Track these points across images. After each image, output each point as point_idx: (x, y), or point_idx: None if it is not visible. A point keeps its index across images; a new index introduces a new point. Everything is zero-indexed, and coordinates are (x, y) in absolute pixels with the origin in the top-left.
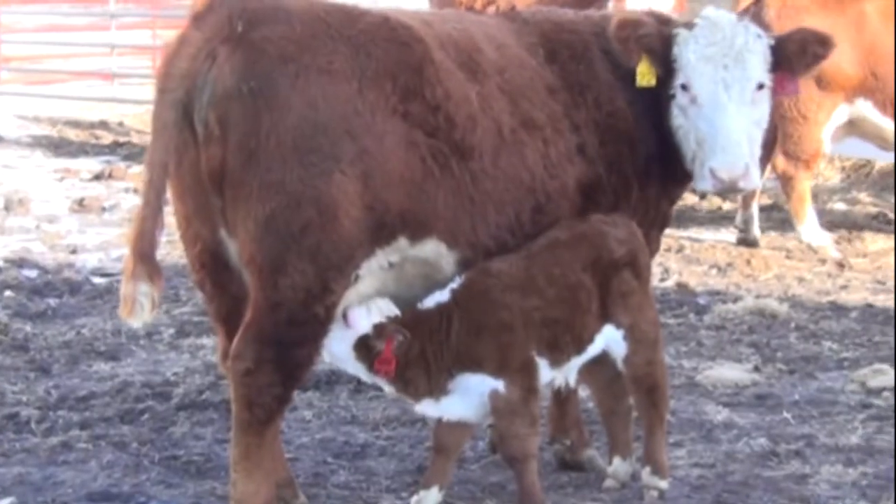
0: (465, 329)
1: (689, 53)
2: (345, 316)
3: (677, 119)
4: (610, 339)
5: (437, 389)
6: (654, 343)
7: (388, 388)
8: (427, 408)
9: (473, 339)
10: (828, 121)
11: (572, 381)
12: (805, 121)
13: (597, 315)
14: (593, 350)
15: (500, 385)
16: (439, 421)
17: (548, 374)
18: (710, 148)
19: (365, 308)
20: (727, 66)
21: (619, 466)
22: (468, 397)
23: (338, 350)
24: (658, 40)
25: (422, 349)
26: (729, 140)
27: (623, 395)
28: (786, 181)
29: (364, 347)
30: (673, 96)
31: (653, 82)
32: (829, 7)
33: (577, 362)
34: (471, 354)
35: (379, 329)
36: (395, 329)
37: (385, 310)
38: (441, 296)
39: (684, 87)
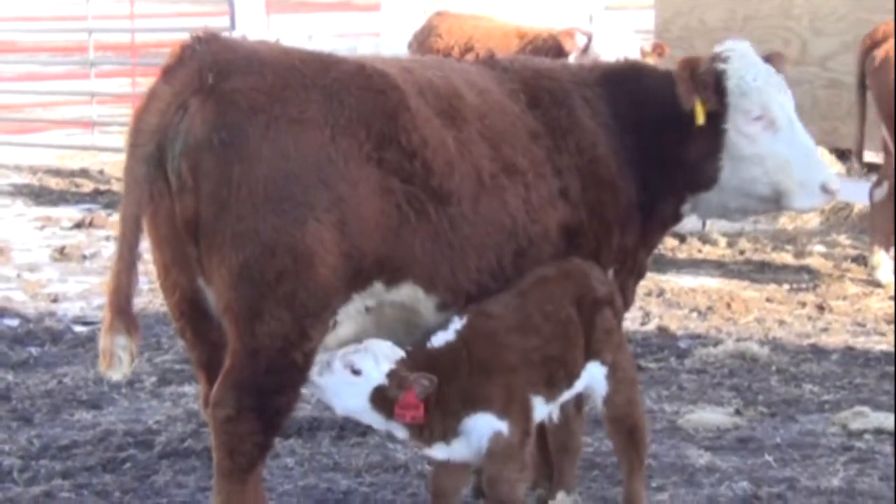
0: (474, 370)
1: (756, 83)
2: (352, 368)
3: (746, 149)
4: (594, 377)
5: (450, 431)
6: (633, 382)
7: (402, 434)
8: (438, 451)
9: (483, 379)
10: None
11: (556, 417)
12: None
13: (582, 350)
14: (579, 385)
15: (503, 427)
16: (436, 466)
17: (543, 411)
18: (807, 166)
19: (370, 356)
20: (783, 90)
21: (563, 500)
22: (474, 438)
23: (353, 405)
24: (713, 77)
25: (438, 390)
26: (819, 155)
27: (577, 433)
28: None
29: (381, 397)
30: (725, 131)
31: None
32: None
33: (566, 396)
34: (480, 395)
35: (398, 378)
36: (418, 376)
37: (390, 354)
38: (447, 335)
39: (757, 117)
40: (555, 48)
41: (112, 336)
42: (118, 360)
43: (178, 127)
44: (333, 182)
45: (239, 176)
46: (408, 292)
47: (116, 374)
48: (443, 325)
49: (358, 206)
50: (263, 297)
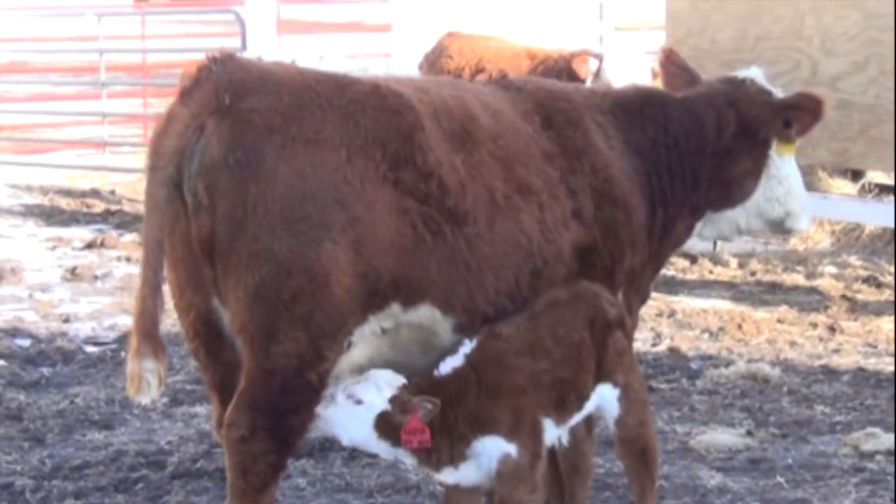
0: (482, 392)
1: None
2: (354, 399)
3: (781, 169)
4: (605, 399)
5: (458, 456)
6: (644, 403)
7: (411, 460)
8: (447, 476)
9: (491, 402)
10: None
11: (565, 440)
12: None
13: (593, 373)
14: (589, 407)
15: (512, 449)
16: (448, 487)
17: (554, 434)
18: (804, 190)
19: (371, 384)
20: None
21: None
22: (483, 461)
23: (358, 435)
24: None
25: (444, 415)
26: None
27: (588, 454)
28: None
29: (386, 424)
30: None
31: None
32: None
33: (576, 419)
34: (488, 417)
35: (400, 403)
36: (421, 399)
37: (392, 381)
38: (455, 360)
39: None
40: (566, 69)
41: (140, 360)
42: (146, 384)
43: (194, 147)
44: (349, 202)
45: (255, 196)
46: (425, 313)
47: (145, 399)
48: (452, 350)
49: (374, 227)
50: (279, 317)
